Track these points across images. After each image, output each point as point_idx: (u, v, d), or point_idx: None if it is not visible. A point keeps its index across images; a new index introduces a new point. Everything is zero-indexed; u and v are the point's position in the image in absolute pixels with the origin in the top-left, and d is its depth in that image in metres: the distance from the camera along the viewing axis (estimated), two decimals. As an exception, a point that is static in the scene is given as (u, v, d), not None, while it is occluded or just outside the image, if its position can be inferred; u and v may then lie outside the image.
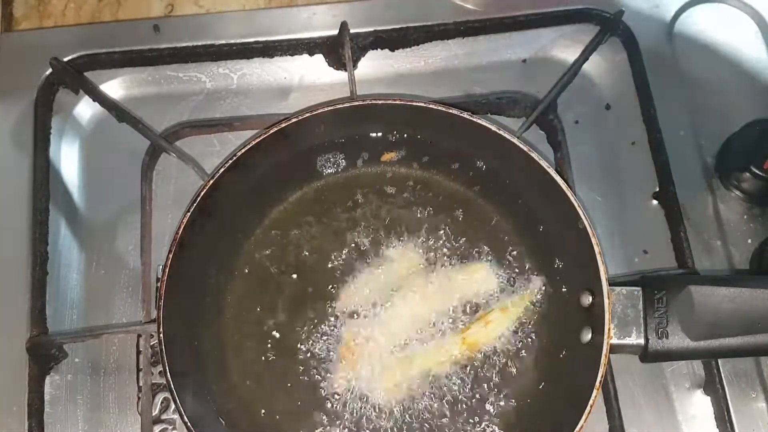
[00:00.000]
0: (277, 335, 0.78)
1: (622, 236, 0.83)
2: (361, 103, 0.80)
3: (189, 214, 0.74)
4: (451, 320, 0.78)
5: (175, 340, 0.73)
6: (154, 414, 0.77)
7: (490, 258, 0.80)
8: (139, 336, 0.79)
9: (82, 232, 0.85)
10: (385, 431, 0.74)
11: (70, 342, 0.79)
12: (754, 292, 0.68)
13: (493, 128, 0.77)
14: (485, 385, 0.76)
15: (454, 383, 0.76)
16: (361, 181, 0.83)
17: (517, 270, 0.80)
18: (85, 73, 0.89)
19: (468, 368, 0.76)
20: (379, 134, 0.84)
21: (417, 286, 0.79)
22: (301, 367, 0.77)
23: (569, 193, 0.73)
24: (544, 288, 0.78)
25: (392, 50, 0.91)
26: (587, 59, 0.87)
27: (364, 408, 0.75)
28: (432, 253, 0.80)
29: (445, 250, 0.81)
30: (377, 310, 0.78)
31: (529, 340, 0.77)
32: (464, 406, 0.75)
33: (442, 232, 0.81)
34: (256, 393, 0.76)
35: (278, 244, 0.81)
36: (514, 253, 0.80)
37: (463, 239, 0.81)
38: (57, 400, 0.78)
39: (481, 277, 0.79)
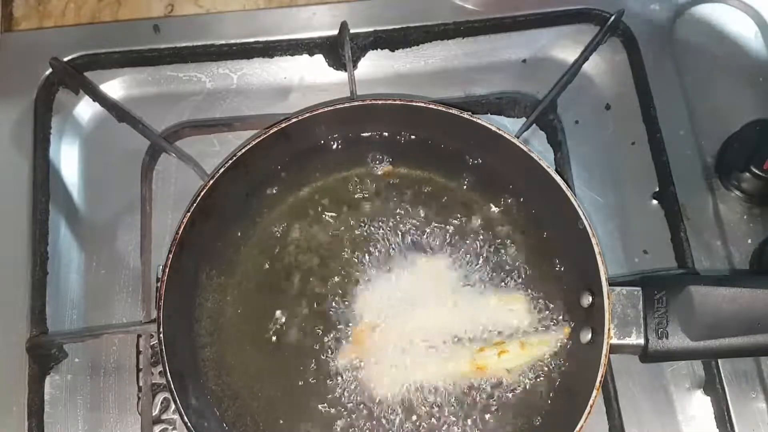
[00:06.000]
0: (278, 335, 0.78)
1: (622, 236, 0.83)
2: (361, 103, 0.80)
3: (189, 214, 0.74)
4: (469, 338, 0.77)
5: (175, 340, 0.73)
6: (154, 414, 0.77)
7: (529, 292, 0.78)
8: (139, 336, 0.79)
9: (82, 232, 0.85)
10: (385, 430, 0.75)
11: (70, 342, 0.79)
12: (754, 292, 0.68)
13: (493, 128, 0.77)
14: (479, 410, 0.75)
15: (450, 397, 0.75)
16: (361, 181, 0.83)
17: (552, 315, 0.77)
18: (85, 73, 0.89)
19: (468, 388, 0.76)
20: (379, 134, 0.84)
21: (443, 297, 0.78)
22: (303, 367, 0.77)
23: (569, 193, 0.73)
24: (569, 341, 0.76)
25: (392, 50, 0.91)
26: (587, 59, 0.87)
27: (366, 407, 0.75)
28: (452, 263, 0.80)
29: (470, 264, 0.80)
30: (385, 313, 0.78)
31: (539, 381, 0.76)
32: (452, 419, 0.75)
33: (445, 235, 0.81)
34: (256, 393, 0.76)
35: (279, 245, 0.81)
36: (553, 296, 0.78)
37: (499, 262, 0.79)
38: (57, 400, 0.78)
39: (515, 309, 0.78)
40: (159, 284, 0.73)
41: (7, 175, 0.85)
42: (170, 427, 0.77)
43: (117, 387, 0.78)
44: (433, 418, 0.75)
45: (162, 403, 0.77)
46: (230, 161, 0.76)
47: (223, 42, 0.90)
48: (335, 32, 0.88)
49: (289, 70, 0.91)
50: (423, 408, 0.75)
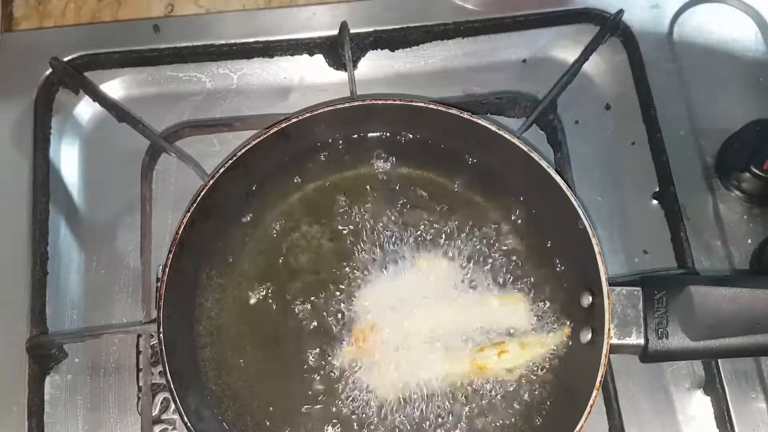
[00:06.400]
0: (278, 335, 0.78)
1: (622, 236, 0.83)
2: (361, 103, 0.80)
3: (189, 214, 0.74)
4: (468, 339, 0.77)
5: (175, 340, 0.73)
6: (154, 414, 0.77)
7: (529, 292, 0.78)
8: (139, 336, 0.79)
9: (82, 232, 0.85)
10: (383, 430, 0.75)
11: (70, 342, 0.79)
12: (754, 292, 0.68)
13: (493, 128, 0.77)
14: (479, 410, 0.75)
15: (450, 397, 0.75)
16: (361, 182, 0.83)
17: (552, 315, 0.77)
18: (85, 73, 0.89)
19: (468, 388, 0.76)
20: (379, 134, 0.84)
21: (443, 297, 0.78)
22: (303, 368, 0.77)
23: (569, 193, 0.73)
24: (569, 341, 0.76)
25: (392, 50, 0.91)
26: (587, 59, 0.86)
27: (365, 407, 0.75)
28: (452, 263, 0.80)
29: (470, 264, 0.79)
30: (385, 313, 0.78)
31: (539, 381, 0.76)
32: (452, 419, 0.75)
33: (445, 234, 0.81)
34: (256, 393, 0.76)
35: (279, 245, 0.81)
36: (553, 296, 0.78)
37: (499, 262, 0.79)
38: (57, 400, 0.78)
39: (515, 309, 0.77)
40: (159, 284, 0.73)
41: (7, 175, 0.85)
42: (170, 427, 0.77)
43: (117, 387, 0.78)
44: (433, 418, 0.75)
45: (162, 403, 0.77)
46: (230, 161, 0.76)
47: (223, 42, 0.90)
48: (335, 32, 0.88)
49: (289, 70, 0.91)
50: (423, 408, 0.75)
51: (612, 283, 0.70)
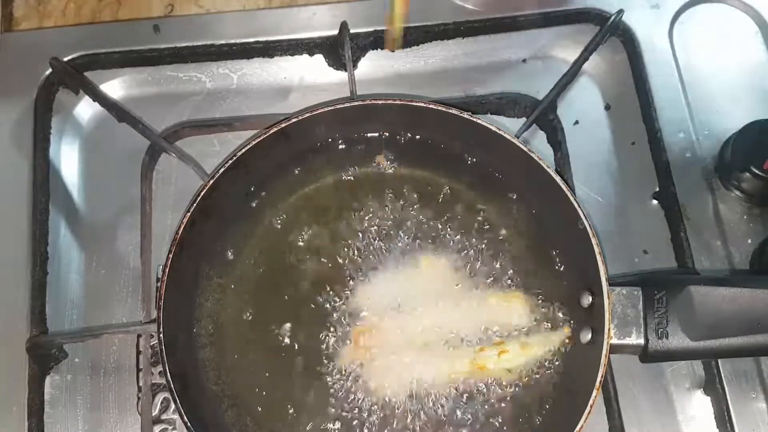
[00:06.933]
0: (278, 335, 0.78)
1: (622, 236, 0.83)
2: (361, 103, 0.80)
3: (189, 214, 0.74)
4: (468, 338, 0.77)
5: (175, 340, 0.73)
6: (154, 414, 0.77)
7: (529, 292, 0.78)
8: (139, 336, 0.79)
9: (82, 232, 0.85)
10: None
11: (70, 342, 0.79)
12: (754, 292, 0.68)
13: (493, 128, 0.77)
14: (479, 410, 0.75)
15: (451, 397, 0.75)
16: (361, 181, 0.83)
17: (552, 315, 0.77)
18: (85, 73, 0.89)
19: (468, 388, 0.75)
20: (379, 134, 0.84)
21: (443, 297, 0.78)
22: (303, 368, 0.76)
23: (569, 193, 0.73)
24: (569, 341, 0.76)
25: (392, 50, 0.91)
26: (587, 59, 0.86)
27: (366, 408, 0.75)
28: (453, 263, 0.80)
29: (470, 264, 0.79)
30: (385, 314, 0.78)
31: (539, 381, 0.76)
32: (452, 420, 0.75)
33: (445, 235, 0.81)
34: (256, 393, 0.76)
35: (279, 244, 0.81)
36: (553, 296, 0.77)
37: (499, 262, 0.79)
38: (57, 400, 0.78)
39: (515, 309, 0.77)
40: (159, 284, 0.73)
41: (7, 175, 0.85)
42: (170, 427, 0.77)
43: (117, 387, 0.78)
44: (433, 419, 0.75)
45: (162, 403, 0.77)
46: (230, 161, 0.76)
47: (223, 42, 0.90)
48: (335, 32, 0.88)
49: (289, 70, 0.91)
50: (423, 408, 0.75)
51: (612, 283, 0.71)
